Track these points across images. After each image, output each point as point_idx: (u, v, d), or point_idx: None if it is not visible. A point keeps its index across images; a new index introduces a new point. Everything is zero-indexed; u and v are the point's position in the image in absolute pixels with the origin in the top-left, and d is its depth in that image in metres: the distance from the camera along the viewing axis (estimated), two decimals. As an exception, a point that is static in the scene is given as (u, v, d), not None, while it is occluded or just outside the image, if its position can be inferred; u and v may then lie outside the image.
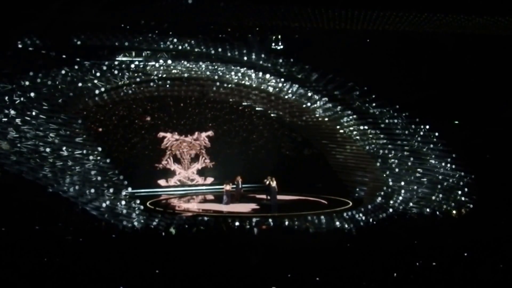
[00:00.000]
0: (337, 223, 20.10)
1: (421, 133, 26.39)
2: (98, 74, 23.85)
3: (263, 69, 27.15)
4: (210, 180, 32.02)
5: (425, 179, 24.67)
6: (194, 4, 24.68)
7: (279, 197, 26.54)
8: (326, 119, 28.04)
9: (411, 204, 23.54)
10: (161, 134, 31.16)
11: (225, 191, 26.17)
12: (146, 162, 30.87)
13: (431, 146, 25.89)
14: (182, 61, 26.51)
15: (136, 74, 25.81)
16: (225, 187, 26.32)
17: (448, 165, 25.32)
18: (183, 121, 31.90)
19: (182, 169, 31.73)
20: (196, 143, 31.84)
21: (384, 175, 25.49)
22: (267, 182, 26.10)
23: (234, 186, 26.96)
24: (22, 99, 19.75)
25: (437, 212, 22.47)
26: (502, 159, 27.65)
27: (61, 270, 10.63)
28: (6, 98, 19.52)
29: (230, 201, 26.14)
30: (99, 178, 19.31)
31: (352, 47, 30.54)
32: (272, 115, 31.31)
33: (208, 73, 27.02)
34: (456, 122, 32.67)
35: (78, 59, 23.52)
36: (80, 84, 23.23)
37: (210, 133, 31.87)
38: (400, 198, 24.08)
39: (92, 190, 18.80)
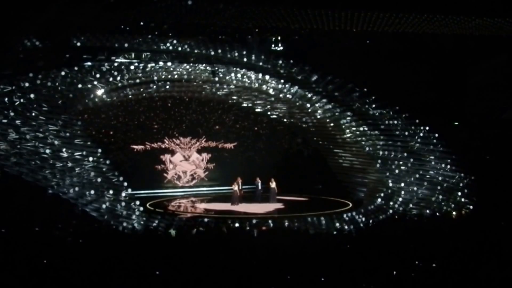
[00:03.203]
0: (337, 224, 20.11)
1: (421, 134, 26.40)
2: (98, 75, 23.85)
3: (263, 70, 27.14)
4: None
5: (425, 181, 24.68)
6: (193, 6, 24.69)
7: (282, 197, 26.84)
8: (326, 120, 28.04)
9: (411, 205, 23.54)
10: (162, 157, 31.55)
11: (233, 192, 26.73)
12: (146, 163, 30.95)
13: (431, 147, 25.89)
14: (182, 63, 26.50)
15: (136, 76, 25.79)
16: (234, 187, 26.72)
17: (448, 166, 25.32)
18: (184, 125, 32.03)
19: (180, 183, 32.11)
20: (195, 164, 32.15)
21: (384, 176, 25.49)
22: (259, 183, 27.57)
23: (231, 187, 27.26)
24: (22, 100, 19.73)
25: (437, 213, 22.48)
26: (501, 160, 27.67)
27: (61, 271, 10.62)
28: (6, 99, 19.50)
29: (235, 201, 26.50)
30: (99, 179, 19.31)
31: (351, 48, 30.56)
32: (272, 116, 31.34)
33: (207, 74, 27.02)
34: (456, 123, 32.71)
35: (77, 61, 23.51)
36: (79, 86, 23.23)
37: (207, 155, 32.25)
38: (400, 199, 24.08)
39: (92, 192, 18.80)
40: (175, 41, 26.22)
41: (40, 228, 15.02)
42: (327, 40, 30.18)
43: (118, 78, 24.70)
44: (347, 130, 27.38)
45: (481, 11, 27.10)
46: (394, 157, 25.53)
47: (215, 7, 25.35)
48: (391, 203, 23.82)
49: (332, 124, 27.92)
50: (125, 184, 19.98)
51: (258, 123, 33.11)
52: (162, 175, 31.66)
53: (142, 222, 19.00)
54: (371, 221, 20.90)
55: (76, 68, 23.10)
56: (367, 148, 26.54)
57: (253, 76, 27.16)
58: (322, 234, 17.54)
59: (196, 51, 26.51)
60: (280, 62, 27.80)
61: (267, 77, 27.13)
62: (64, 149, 19.41)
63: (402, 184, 24.59)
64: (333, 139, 28.51)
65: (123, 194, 19.66)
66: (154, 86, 27.28)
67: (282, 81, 27.30)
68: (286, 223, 19.91)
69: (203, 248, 12.75)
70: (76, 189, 18.73)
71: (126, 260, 11.33)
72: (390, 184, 25.01)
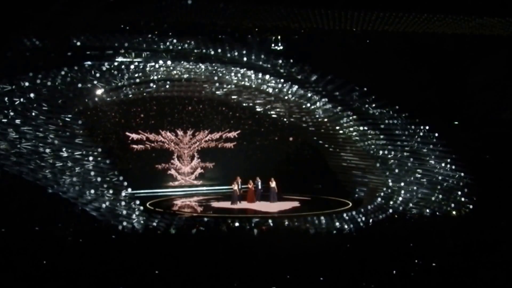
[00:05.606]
0: (337, 224, 20.11)
1: (421, 133, 26.39)
2: (97, 75, 23.83)
3: (262, 69, 27.13)
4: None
5: (425, 180, 24.67)
6: (193, 5, 24.69)
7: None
8: (326, 119, 28.02)
9: (411, 204, 23.54)
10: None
11: (234, 191, 26.76)
12: (146, 162, 30.99)
13: (431, 146, 25.88)
14: (182, 62, 26.49)
15: (136, 75, 25.78)
16: (234, 186, 26.80)
17: (448, 165, 25.31)
18: (185, 125, 32.10)
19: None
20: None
21: (384, 176, 25.48)
22: (259, 182, 27.59)
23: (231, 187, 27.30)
24: (22, 100, 19.71)
25: (437, 213, 22.48)
26: (501, 159, 27.67)
27: (61, 271, 10.62)
28: (6, 99, 19.49)
29: (235, 201, 26.58)
30: (99, 179, 19.29)
31: (351, 48, 30.56)
32: (272, 115, 31.33)
33: (207, 74, 27.01)
34: (456, 122, 32.71)
35: (77, 60, 23.51)
36: (79, 85, 23.21)
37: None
38: (400, 198, 24.07)
39: (92, 191, 18.78)
40: (175, 41, 26.19)
41: (40, 228, 15.02)
42: (327, 40, 30.18)
43: (118, 77, 24.66)
44: (347, 130, 27.36)
45: (481, 11, 27.11)
46: (394, 157, 25.52)
47: (215, 7, 25.37)
48: (391, 203, 23.81)
49: (332, 124, 27.90)
50: (125, 183, 19.96)
51: (258, 122, 33.13)
52: (161, 174, 31.72)
53: (142, 222, 18.98)
54: (371, 220, 20.90)
55: (76, 68, 23.08)
56: (367, 148, 26.52)
57: (253, 76, 27.14)
58: (322, 234, 17.57)
59: (196, 50, 26.50)
60: (280, 61, 27.78)
61: (267, 76, 27.11)
62: (64, 149, 19.38)
63: (402, 184, 24.58)
64: (333, 139, 28.48)
65: (123, 193, 19.64)
66: (154, 86, 27.26)
67: (282, 80, 27.27)
68: (287, 223, 19.91)
69: (203, 248, 12.76)
70: (76, 188, 18.71)
71: (126, 260, 11.34)
72: (390, 184, 25.01)
